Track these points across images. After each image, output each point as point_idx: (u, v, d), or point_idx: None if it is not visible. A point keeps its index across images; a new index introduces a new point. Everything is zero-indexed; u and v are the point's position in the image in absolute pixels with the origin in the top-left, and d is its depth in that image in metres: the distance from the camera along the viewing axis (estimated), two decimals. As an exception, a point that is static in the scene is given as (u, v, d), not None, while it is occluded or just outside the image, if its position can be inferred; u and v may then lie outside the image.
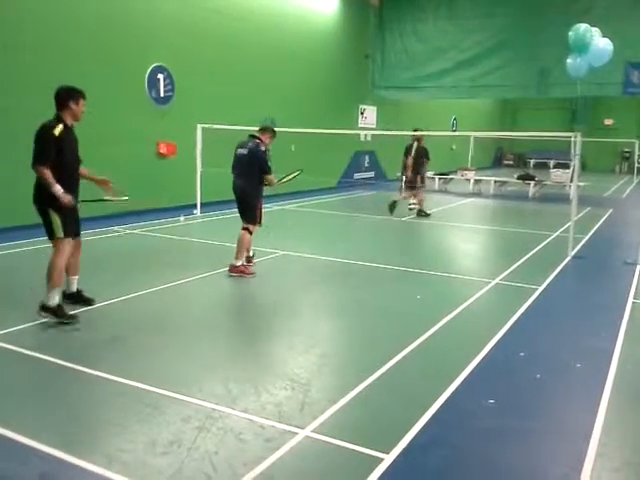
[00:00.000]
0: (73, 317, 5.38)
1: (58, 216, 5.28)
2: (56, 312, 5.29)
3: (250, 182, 7.12)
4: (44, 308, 5.31)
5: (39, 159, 5.17)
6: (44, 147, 5.19)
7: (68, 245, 5.43)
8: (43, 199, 5.28)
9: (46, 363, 4.42)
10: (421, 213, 12.73)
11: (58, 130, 5.24)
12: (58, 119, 5.35)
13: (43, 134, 5.20)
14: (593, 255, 9.03)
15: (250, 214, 7.22)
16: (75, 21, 10.15)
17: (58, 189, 5.18)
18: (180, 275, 6.98)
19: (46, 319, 5.28)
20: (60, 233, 5.31)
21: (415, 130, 13.27)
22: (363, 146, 19.44)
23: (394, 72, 18.89)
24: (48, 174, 5.15)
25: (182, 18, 12.14)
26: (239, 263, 7.13)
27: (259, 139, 7.19)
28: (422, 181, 12.98)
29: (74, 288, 5.81)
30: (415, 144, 12.88)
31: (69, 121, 5.41)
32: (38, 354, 4.56)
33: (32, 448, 3.26)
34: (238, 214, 7.37)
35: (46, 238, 5.48)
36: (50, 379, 4.24)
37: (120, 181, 10.59)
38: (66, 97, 5.38)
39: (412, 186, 12.89)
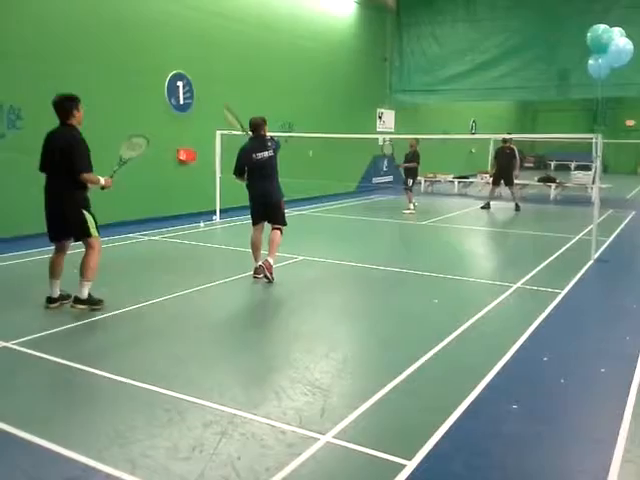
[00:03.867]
0: (101, 301, 5.88)
1: (92, 216, 5.75)
2: (89, 302, 5.79)
3: (278, 184, 7.12)
4: (77, 301, 5.77)
5: (87, 167, 5.60)
6: (86, 155, 5.60)
7: (100, 243, 5.92)
8: (78, 203, 5.67)
9: (68, 368, 4.47)
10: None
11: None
12: (73, 128, 5.66)
13: (81, 144, 5.58)
14: (616, 258, 8.90)
15: (283, 216, 7.23)
16: (96, 31, 10.28)
17: (103, 180, 5.72)
18: (200, 281, 7.02)
19: (80, 308, 5.76)
20: (95, 232, 5.78)
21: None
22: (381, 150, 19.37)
23: (412, 75, 18.87)
24: (92, 176, 5.63)
25: (200, 26, 12.24)
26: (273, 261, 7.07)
27: (267, 135, 7.14)
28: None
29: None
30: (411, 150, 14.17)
31: (78, 127, 5.73)
32: (60, 359, 4.60)
33: (56, 453, 3.30)
34: (260, 219, 7.21)
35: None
36: (72, 384, 4.29)
37: (140, 187, 10.75)
38: (71, 105, 5.66)
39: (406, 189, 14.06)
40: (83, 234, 5.73)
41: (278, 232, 7.15)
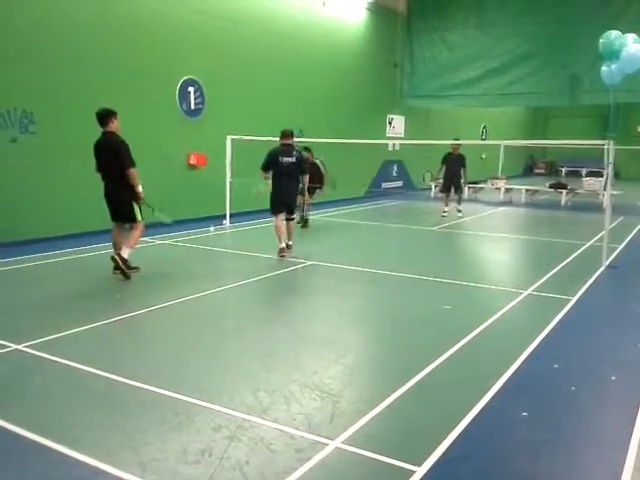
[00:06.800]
0: (137, 268, 7.48)
1: (138, 206, 7.41)
2: (125, 261, 7.16)
3: (297, 184, 9.07)
4: (119, 256, 7.11)
5: (132, 163, 7.16)
6: (129, 154, 7.15)
7: (143, 226, 7.53)
8: (130, 195, 7.26)
9: (79, 371, 4.50)
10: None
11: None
12: (114, 134, 7.18)
13: (123, 145, 7.15)
14: (628, 265, 8.85)
15: (295, 208, 9.23)
16: (108, 37, 10.36)
17: (140, 186, 7.31)
18: (210, 285, 7.04)
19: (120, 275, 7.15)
20: (140, 218, 7.44)
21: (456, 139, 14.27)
22: (391, 155, 19.40)
23: (423, 81, 18.86)
24: (136, 174, 7.18)
25: (211, 32, 12.31)
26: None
27: (293, 146, 8.95)
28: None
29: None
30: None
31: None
32: (71, 362, 4.64)
33: (67, 456, 3.32)
34: (279, 211, 8.80)
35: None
36: (83, 387, 4.30)
37: (152, 191, 10.83)
38: (109, 116, 7.21)
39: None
40: (131, 219, 7.40)
41: (292, 222, 9.14)
